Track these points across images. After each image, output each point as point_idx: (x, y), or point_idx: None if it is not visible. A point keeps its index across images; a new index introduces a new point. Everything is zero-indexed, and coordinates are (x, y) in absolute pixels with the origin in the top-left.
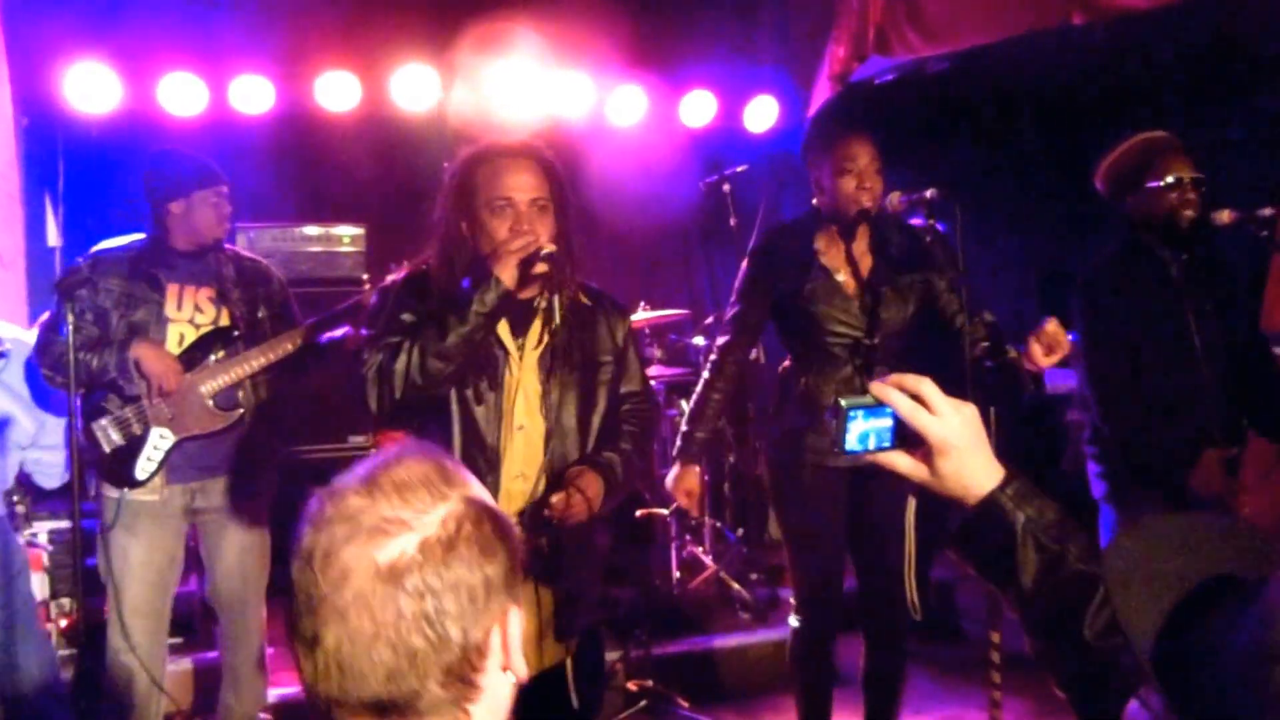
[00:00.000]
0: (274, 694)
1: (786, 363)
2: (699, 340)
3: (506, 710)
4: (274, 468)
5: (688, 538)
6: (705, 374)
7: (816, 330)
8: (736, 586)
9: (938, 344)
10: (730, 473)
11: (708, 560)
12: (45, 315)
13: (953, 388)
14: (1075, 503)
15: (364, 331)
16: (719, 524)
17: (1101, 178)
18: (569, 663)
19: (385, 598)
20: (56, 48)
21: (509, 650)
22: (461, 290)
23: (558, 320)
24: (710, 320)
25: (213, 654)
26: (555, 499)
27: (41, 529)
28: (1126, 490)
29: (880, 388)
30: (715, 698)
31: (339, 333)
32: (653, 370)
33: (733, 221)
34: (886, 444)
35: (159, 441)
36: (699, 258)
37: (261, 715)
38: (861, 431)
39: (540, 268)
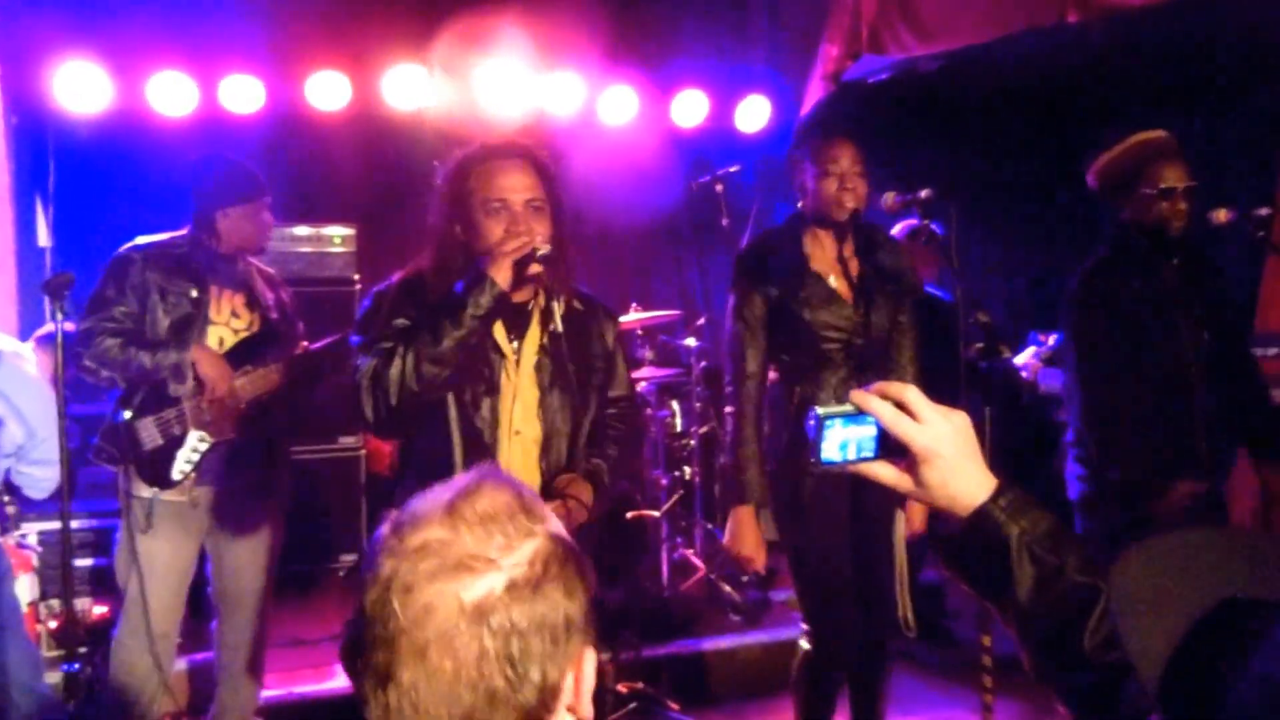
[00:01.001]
0: (265, 694)
1: (773, 375)
2: (690, 341)
3: None
4: (288, 468)
5: (678, 540)
6: (729, 438)
7: (811, 337)
8: (727, 589)
9: (931, 346)
10: (721, 474)
11: (698, 562)
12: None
13: (947, 390)
14: (1068, 508)
15: (355, 339)
16: (710, 526)
17: (1095, 175)
18: None
19: (470, 637)
20: (46, 47)
21: (580, 693)
22: (454, 293)
23: (558, 324)
24: (702, 321)
25: (207, 654)
26: (553, 509)
27: (31, 530)
28: (1099, 501)
29: (861, 395)
30: (705, 700)
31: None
32: (644, 371)
33: (725, 222)
34: (869, 454)
35: (198, 444)
36: (690, 258)
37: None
38: (841, 441)
39: (535, 268)
